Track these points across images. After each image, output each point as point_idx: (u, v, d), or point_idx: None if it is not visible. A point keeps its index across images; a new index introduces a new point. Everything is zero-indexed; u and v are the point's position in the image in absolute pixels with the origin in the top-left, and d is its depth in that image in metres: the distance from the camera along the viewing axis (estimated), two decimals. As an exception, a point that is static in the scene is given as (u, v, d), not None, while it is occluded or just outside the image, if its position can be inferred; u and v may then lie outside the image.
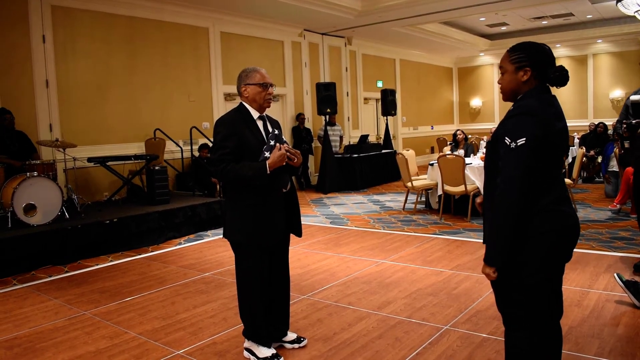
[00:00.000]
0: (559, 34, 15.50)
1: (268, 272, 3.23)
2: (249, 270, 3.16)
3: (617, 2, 11.39)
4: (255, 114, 3.19)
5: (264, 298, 3.22)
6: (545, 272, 2.22)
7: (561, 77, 2.23)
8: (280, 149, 3.04)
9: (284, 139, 3.19)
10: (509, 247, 2.16)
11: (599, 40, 15.74)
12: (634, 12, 11.20)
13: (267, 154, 3.04)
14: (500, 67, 2.35)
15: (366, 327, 3.76)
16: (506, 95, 2.35)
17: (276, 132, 3.16)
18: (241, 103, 3.23)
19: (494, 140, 2.26)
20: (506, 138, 2.14)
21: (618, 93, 15.90)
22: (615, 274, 4.17)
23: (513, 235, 2.14)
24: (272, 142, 3.09)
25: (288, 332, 3.45)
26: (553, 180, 2.22)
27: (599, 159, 11.10)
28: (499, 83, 2.39)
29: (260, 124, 3.20)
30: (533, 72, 2.24)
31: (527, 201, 2.13)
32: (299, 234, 3.36)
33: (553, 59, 2.27)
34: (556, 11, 13.49)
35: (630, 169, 7.48)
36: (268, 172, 3.00)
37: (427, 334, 3.60)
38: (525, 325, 2.28)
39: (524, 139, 2.09)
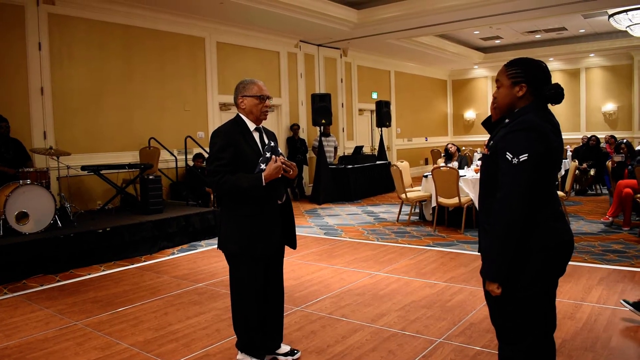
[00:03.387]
0: (552, 47, 15.65)
1: (263, 284, 3.22)
2: (244, 281, 3.15)
3: (609, 17, 11.56)
4: (251, 126, 3.19)
5: (260, 310, 3.20)
6: (540, 286, 2.23)
7: (557, 95, 2.25)
8: (276, 161, 3.04)
9: (280, 151, 3.19)
10: (510, 262, 2.17)
11: (592, 54, 15.90)
12: (626, 27, 11.37)
13: (262, 166, 3.04)
14: (497, 80, 2.37)
15: (360, 340, 3.75)
16: (501, 109, 2.36)
17: (272, 144, 3.17)
18: (238, 114, 3.23)
19: (492, 153, 2.27)
20: (507, 153, 2.15)
21: (610, 106, 16.03)
22: (621, 301, 4.10)
23: (514, 250, 2.15)
24: (268, 154, 3.09)
25: (281, 345, 3.43)
26: (549, 196, 2.24)
27: (592, 172, 11.18)
28: (494, 96, 2.40)
29: (256, 135, 3.20)
30: (529, 89, 2.26)
31: (528, 216, 2.14)
32: (293, 246, 3.36)
33: (549, 76, 2.30)
34: (549, 25, 13.63)
35: (622, 182, 7.53)
36: (264, 183, 3.00)
37: (420, 347, 3.59)
38: (519, 339, 2.29)
39: (527, 155, 2.11)
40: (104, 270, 5.98)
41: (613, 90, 16.08)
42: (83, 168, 7.47)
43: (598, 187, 11.46)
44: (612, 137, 12.97)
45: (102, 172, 7.59)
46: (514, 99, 2.30)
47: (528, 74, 2.27)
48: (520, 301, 2.23)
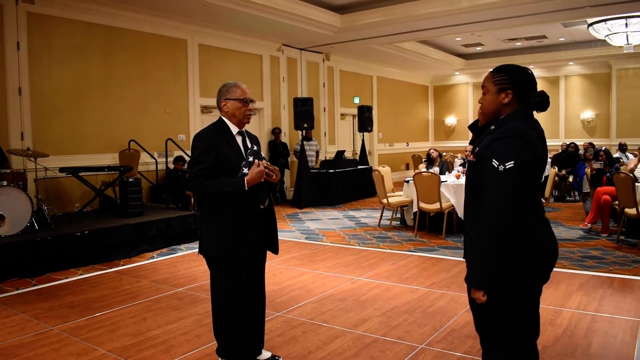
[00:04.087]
0: (532, 55, 15.82)
1: (245, 289, 3.17)
2: (225, 286, 3.10)
3: (588, 26, 11.74)
4: (234, 129, 3.15)
5: (241, 315, 3.16)
6: (525, 293, 2.24)
7: (542, 102, 2.26)
8: (258, 165, 3.01)
9: (263, 155, 3.16)
10: (496, 269, 2.16)
11: (571, 63, 16.13)
12: (605, 36, 11.56)
13: (245, 170, 3.01)
14: (483, 86, 2.37)
15: (341, 346, 3.72)
16: (486, 115, 2.36)
17: (255, 148, 3.14)
18: (220, 118, 3.19)
19: (478, 160, 2.27)
20: (494, 160, 2.15)
21: (588, 114, 16.27)
22: None
23: (500, 257, 2.15)
24: (250, 158, 3.06)
25: (262, 351, 3.39)
26: (534, 203, 2.25)
27: (570, 179, 11.32)
28: (479, 102, 2.40)
29: (239, 139, 3.16)
30: (515, 95, 2.26)
31: (514, 223, 2.14)
32: (275, 251, 3.33)
33: (535, 83, 2.31)
34: (530, 33, 13.78)
35: (600, 189, 7.63)
36: (246, 188, 2.96)
37: (402, 353, 3.58)
38: (504, 346, 2.29)
39: (513, 162, 2.11)
40: (81, 274, 5.88)
41: (591, 98, 16.33)
42: (61, 170, 7.35)
43: (576, 193, 11.60)
44: (591, 144, 13.16)
45: (81, 174, 7.48)
46: (500, 106, 2.30)
47: (514, 80, 2.27)
48: (505, 309, 2.23)
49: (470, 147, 7.89)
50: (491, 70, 2.38)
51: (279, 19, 9.80)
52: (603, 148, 8.38)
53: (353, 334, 3.96)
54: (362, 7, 10.73)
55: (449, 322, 4.15)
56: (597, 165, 7.89)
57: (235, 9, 9.00)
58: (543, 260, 2.25)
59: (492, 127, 2.33)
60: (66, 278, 5.72)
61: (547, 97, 2.28)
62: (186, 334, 4.00)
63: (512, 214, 2.13)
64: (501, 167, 2.13)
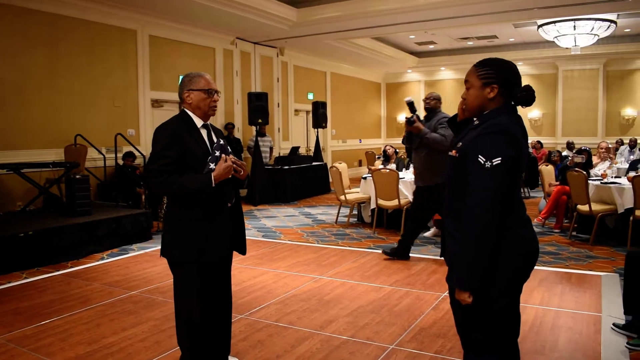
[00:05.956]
0: (483, 54, 15.85)
1: (210, 293, 2.98)
2: (190, 290, 2.90)
3: (538, 27, 12.02)
4: (198, 122, 2.96)
5: (206, 320, 2.97)
6: (510, 294, 2.19)
7: (528, 97, 2.21)
8: (226, 160, 2.84)
9: (230, 150, 2.98)
10: (482, 269, 2.08)
11: (520, 63, 16.48)
12: (553, 38, 11.86)
13: (212, 166, 2.82)
14: (466, 81, 2.28)
15: (310, 349, 3.59)
16: (471, 111, 2.28)
17: (221, 141, 2.95)
18: (183, 110, 2.98)
19: (461, 156, 2.18)
20: (480, 157, 2.07)
21: (536, 113, 16.71)
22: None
23: (486, 256, 2.06)
24: (217, 153, 2.87)
25: (229, 357, 3.21)
26: (516, 201, 2.19)
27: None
28: (462, 98, 2.32)
29: (204, 132, 2.97)
30: (500, 90, 2.19)
31: (499, 222, 2.06)
32: (243, 251, 3.15)
33: (520, 78, 2.24)
34: (482, 33, 14.03)
35: (559, 189, 7.79)
36: (213, 184, 2.78)
37: (373, 355, 3.48)
38: (488, 348, 2.22)
39: (500, 158, 2.04)
40: (26, 278, 5.51)
41: (539, 98, 16.63)
42: (1, 166, 6.90)
43: (526, 190, 11.87)
44: (539, 142, 13.55)
45: (23, 170, 7.05)
46: (485, 101, 2.22)
47: (500, 74, 2.20)
48: (491, 310, 2.16)
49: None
50: (475, 64, 2.29)
51: (234, 11, 9.54)
52: (586, 148, 8.49)
53: (321, 335, 3.83)
54: (318, 1, 10.61)
55: (416, 321, 4.08)
56: (578, 159, 7.98)
57: None
58: (527, 259, 2.21)
59: (476, 122, 2.25)
60: (9, 282, 5.34)
61: (533, 91, 2.22)
62: (144, 340, 3.77)
63: (498, 211, 2.07)
64: (488, 164, 2.06)
